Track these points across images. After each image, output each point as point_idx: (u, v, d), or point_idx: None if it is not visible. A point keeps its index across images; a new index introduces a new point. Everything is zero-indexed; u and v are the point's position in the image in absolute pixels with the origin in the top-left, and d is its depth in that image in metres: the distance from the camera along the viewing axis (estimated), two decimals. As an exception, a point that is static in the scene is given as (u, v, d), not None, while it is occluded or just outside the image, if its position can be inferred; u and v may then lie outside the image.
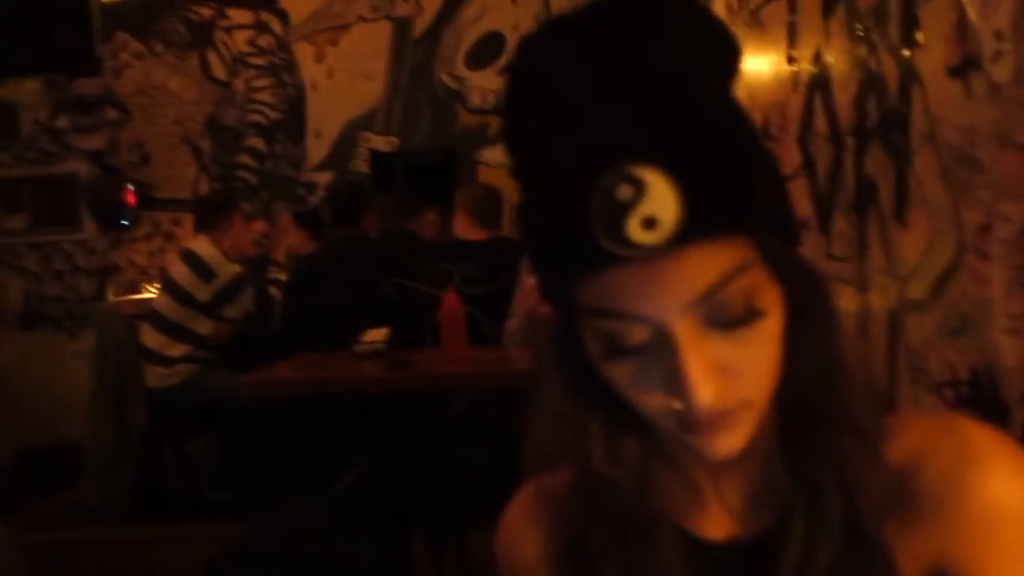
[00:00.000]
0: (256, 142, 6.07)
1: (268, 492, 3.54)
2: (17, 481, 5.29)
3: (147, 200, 6.09)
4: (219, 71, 6.07)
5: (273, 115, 6.05)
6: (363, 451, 3.47)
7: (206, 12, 6.04)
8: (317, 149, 6.02)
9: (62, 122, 6.11)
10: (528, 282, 2.54)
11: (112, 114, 6.11)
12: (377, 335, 2.73)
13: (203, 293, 4.07)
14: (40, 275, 6.19)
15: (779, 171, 0.68)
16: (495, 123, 5.93)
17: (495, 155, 5.93)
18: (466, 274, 3.34)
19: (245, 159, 6.08)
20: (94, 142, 6.12)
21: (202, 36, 6.05)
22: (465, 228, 3.51)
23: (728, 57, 0.66)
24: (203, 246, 4.15)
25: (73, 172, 6.12)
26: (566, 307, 0.67)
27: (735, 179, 0.61)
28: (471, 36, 5.93)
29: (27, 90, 6.06)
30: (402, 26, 5.95)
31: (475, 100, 5.94)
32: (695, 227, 0.59)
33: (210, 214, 4.20)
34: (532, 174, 0.69)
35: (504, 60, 5.92)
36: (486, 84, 5.92)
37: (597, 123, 0.61)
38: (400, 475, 3.09)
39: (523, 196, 0.70)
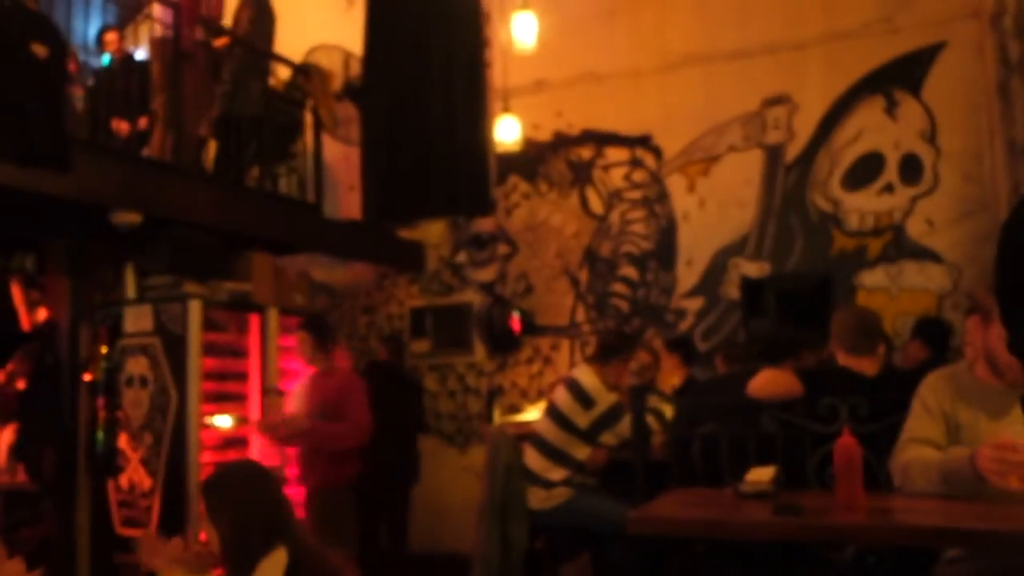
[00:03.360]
0: (629, 271, 6.31)
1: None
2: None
3: (529, 327, 6.54)
4: (596, 206, 6.45)
5: (645, 245, 6.28)
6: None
7: (586, 153, 6.50)
8: (688, 276, 6.12)
9: (461, 257, 6.85)
10: None
11: (503, 249, 6.72)
12: (763, 475, 2.61)
13: (583, 419, 4.23)
14: (437, 393, 6.85)
15: None
16: (875, 245, 5.63)
17: (875, 278, 5.60)
18: (854, 409, 3.13)
19: (619, 287, 6.33)
20: (486, 274, 6.76)
21: (582, 175, 6.50)
22: (847, 358, 3.31)
23: None
24: (586, 375, 4.35)
25: (468, 301, 6.78)
26: None
27: None
28: (847, 158, 5.74)
29: (434, 231, 6.87)
30: (774, 153, 5.93)
31: (852, 223, 5.69)
32: None
33: (609, 352, 4.40)
34: None
35: (884, 179, 5.64)
36: (865, 205, 5.66)
37: None
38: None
39: None
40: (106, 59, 5.92)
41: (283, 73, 6.12)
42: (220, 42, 5.53)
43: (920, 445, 2.55)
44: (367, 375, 5.36)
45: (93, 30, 6.05)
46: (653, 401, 4.44)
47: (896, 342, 5.23)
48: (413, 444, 6.00)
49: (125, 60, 5.80)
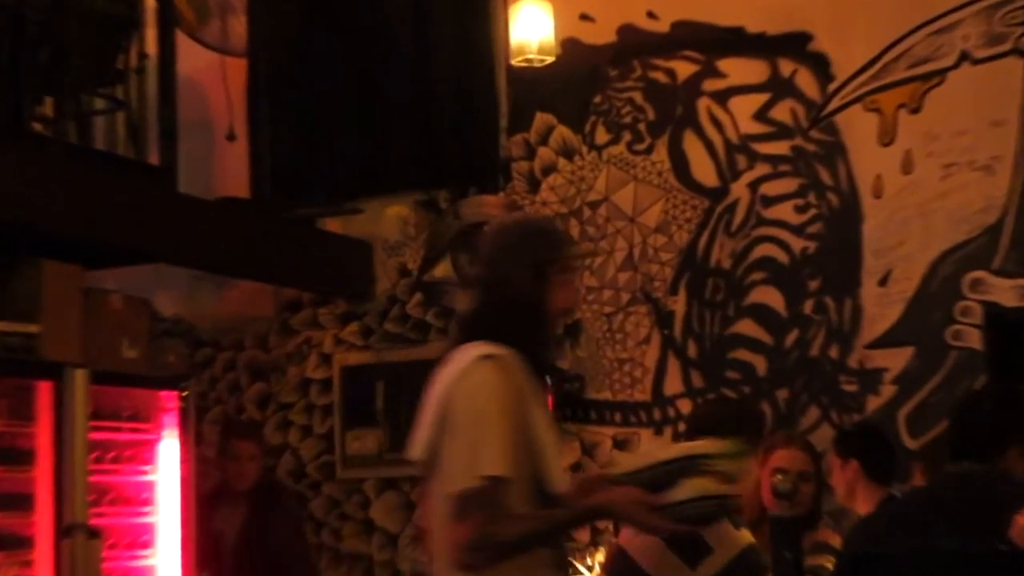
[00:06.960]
0: (767, 295, 6.19)
1: None
2: None
3: (575, 403, 6.43)
4: (704, 171, 6.34)
5: (801, 245, 6.14)
6: None
7: (683, 69, 6.40)
8: (883, 306, 5.98)
9: (441, 270, 6.66)
10: None
11: (520, 253, 6.56)
12: None
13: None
14: (397, 535, 6.68)
15: None
16: None
17: None
18: None
19: (748, 327, 6.21)
20: (490, 303, 6.57)
21: (675, 111, 6.40)
22: None
23: None
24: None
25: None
26: None
27: None
28: None
29: (390, 221, 6.79)
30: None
31: None
32: None
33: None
34: None
35: None
36: None
37: None
38: None
39: None
40: None
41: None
42: None
43: None
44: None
45: None
46: (813, 556, 4.37)
47: None
48: None
49: None
